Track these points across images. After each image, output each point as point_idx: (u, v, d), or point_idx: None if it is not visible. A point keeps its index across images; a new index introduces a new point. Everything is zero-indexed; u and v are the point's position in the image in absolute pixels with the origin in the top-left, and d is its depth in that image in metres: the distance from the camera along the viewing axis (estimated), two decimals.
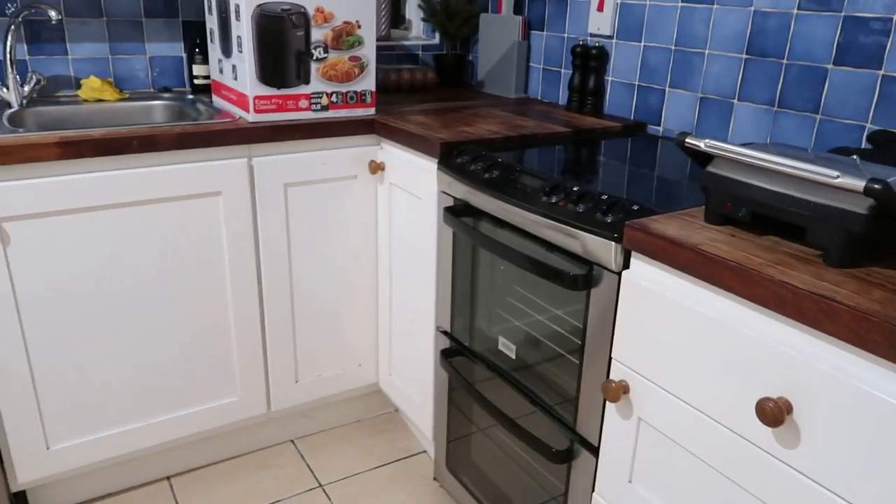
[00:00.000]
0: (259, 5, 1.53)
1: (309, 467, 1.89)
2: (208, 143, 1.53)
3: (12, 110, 1.69)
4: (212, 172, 1.56)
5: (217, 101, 1.82)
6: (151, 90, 1.97)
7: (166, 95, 1.91)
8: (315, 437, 2.02)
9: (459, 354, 1.58)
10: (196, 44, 1.94)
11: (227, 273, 1.66)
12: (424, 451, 1.96)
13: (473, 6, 2.26)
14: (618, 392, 1.07)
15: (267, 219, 1.67)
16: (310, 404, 1.92)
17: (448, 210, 1.45)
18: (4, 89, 1.71)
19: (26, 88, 1.74)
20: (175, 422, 1.71)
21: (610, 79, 1.89)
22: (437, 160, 1.52)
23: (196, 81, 1.97)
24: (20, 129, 1.48)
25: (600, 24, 1.88)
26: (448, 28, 2.25)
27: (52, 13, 1.63)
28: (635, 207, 1.10)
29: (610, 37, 1.86)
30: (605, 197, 1.14)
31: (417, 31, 2.45)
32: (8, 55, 1.68)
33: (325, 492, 1.80)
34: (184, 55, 2.00)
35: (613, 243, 1.07)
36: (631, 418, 1.09)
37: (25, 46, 1.80)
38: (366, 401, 2.08)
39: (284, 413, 1.90)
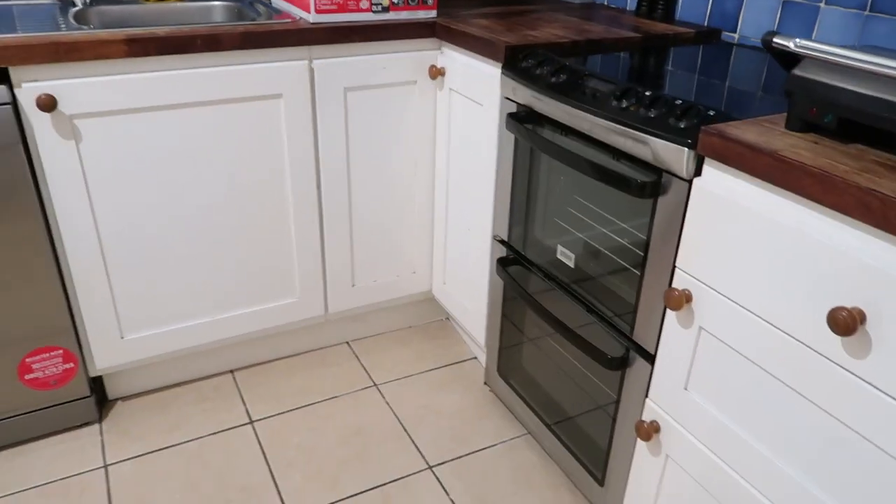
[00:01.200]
0: None
1: (363, 367, 1.97)
2: (270, 43, 1.52)
3: (77, 8, 1.69)
4: (273, 74, 1.56)
5: (277, 1, 1.79)
6: None
7: None
8: (369, 340, 2.08)
9: (516, 263, 1.58)
10: None
11: (287, 176, 1.68)
12: (475, 358, 2.01)
13: None
14: (680, 300, 1.07)
15: (327, 123, 1.66)
16: (365, 308, 1.97)
17: (511, 116, 1.42)
18: None
19: None
20: (238, 319, 1.79)
21: None
22: (500, 65, 1.48)
23: None
24: (88, 27, 1.49)
25: None
26: None
27: None
28: (711, 113, 1.06)
29: None
30: (679, 102, 1.10)
31: None
32: None
33: (378, 390, 1.88)
34: None
35: (686, 149, 1.04)
36: (691, 327, 1.08)
37: None
38: (419, 307, 2.13)
39: (340, 315, 1.96)
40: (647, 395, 1.23)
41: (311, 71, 1.60)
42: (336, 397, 1.85)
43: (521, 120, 1.42)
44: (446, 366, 1.98)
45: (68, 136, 1.42)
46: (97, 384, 1.76)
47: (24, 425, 1.62)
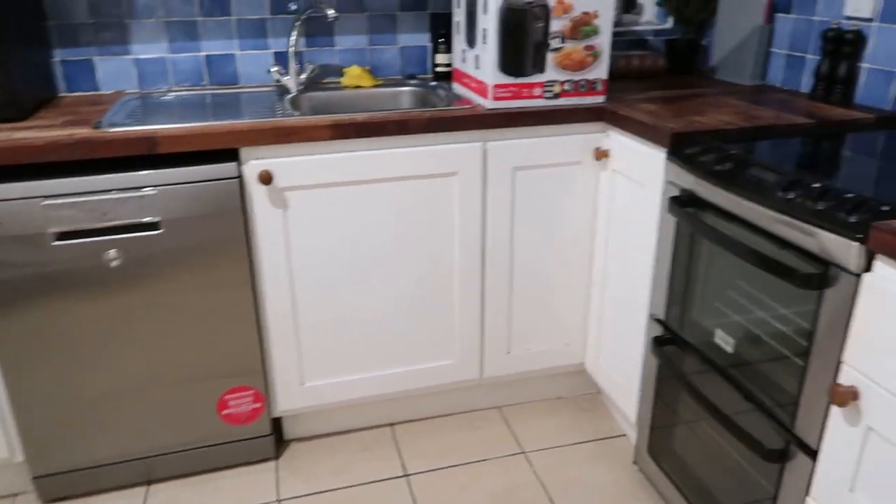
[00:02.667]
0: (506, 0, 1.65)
1: (513, 433, 2.02)
2: (451, 127, 1.70)
3: (291, 95, 1.99)
4: (451, 154, 1.73)
5: (456, 87, 1.99)
6: (400, 77, 2.20)
7: (412, 82, 2.12)
8: (519, 407, 2.14)
9: (672, 343, 1.59)
10: (440, 34, 2.13)
11: (455, 247, 1.83)
12: (625, 435, 2.00)
13: None
14: (846, 397, 1.04)
15: (495, 199, 1.80)
16: (517, 375, 2.05)
17: (674, 200, 1.47)
18: (286, 77, 2.02)
19: (303, 76, 2.05)
20: (401, 376, 1.93)
21: (865, 66, 1.74)
22: (665, 150, 1.53)
23: (438, 69, 2.16)
24: (299, 112, 1.76)
25: (859, 5, 1.73)
26: (684, 12, 2.21)
27: (330, 11, 1.90)
28: (885, 208, 1.04)
29: (869, 20, 1.72)
30: (849, 195, 1.10)
31: (649, 15, 2.42)
32: (292, 47, 1.99)
33: (526, 458, 1.92)
34: (429, 45, 2.20)
35: (856, 244, 1.03)
36: (859, 425, 1.04)
37: (303, 39, 2.11)
38: (570, 379, 2.16)
39: (494, 381, 2.04)
40: (807, 494, 1.18)
41: (485, 151, 1.75)
42: (485, 460, 1.92)
43: (684, 204, 1.45)
44: (595, 440, 1.99)
45: (279, 205, 1.66)
46: (276, 425, 1.97)
47: (213, 455, 1.86)
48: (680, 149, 1.50)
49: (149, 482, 1.84)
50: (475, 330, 1.94)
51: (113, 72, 2.01)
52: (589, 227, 1.90)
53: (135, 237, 1.60)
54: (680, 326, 1.56)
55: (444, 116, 1.69)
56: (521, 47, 1.70)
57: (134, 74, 2.03)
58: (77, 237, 1.57)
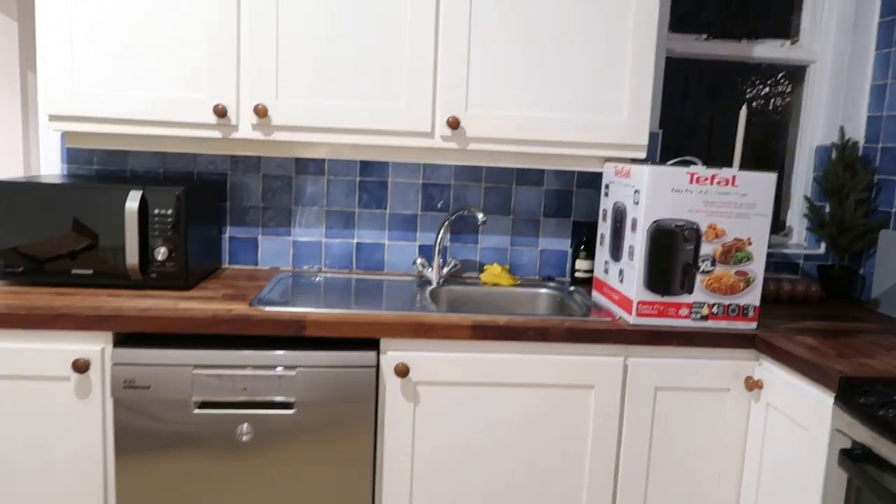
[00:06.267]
0: (656, 220, 1.66)
1: None
2: (590, 339, 1.66)
3: (432, 287, 2.05)
4: (589, 366, 1.67)
5: (596, 296, 1.97)
6: (537, 278, 2.23)
7: (550, 284, 2.14)
8: None
9: None
10: (582, 241, 2.16)
11: (586, 462, 1.71)
12: None
13: (870, 220, 2.12)
14: None
15: (633, 417, 1.70)
16: None
17: (845, 453, 1.31)
18: (429, 269, 2.10)
19: (444, 270, 2.12)
20: None
21: None
22: (833, 394, 1.40)
23: (577, 274, 2.17)
24: (438, 305, 1.79)
25: None
26: (839, 242, 2.13)
27: (480, 215, 1.99)
28: None
29: None
30: None
31: (798, 238, 2.36)
32: (438, 243, 2.08)
33: None
34: (569, 250, 2.24)
35: None
36: None
37: (448, 235, 2.21)
38: None
39: None
40: None
41: (626, 368, 1.68)
42: None
43: (858, 459, 1.29)
44: None
45: (410, 398, 1.65)
46: None
47: None
48: (851, 396, 1.36)
49: None
50: None
51: (272, 250, 2.18)
52: (737, 463, 1.73)
53: (268, 414, 1.62)
54: None
55: (584, 328, 1.66)
56: (669, 267, 1.68)
57: (290, 254, 2.18)
58: (216, 407, 1.61)
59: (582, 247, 2.16)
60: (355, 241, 2.19)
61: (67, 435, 1.61)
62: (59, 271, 1.79)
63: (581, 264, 2.16)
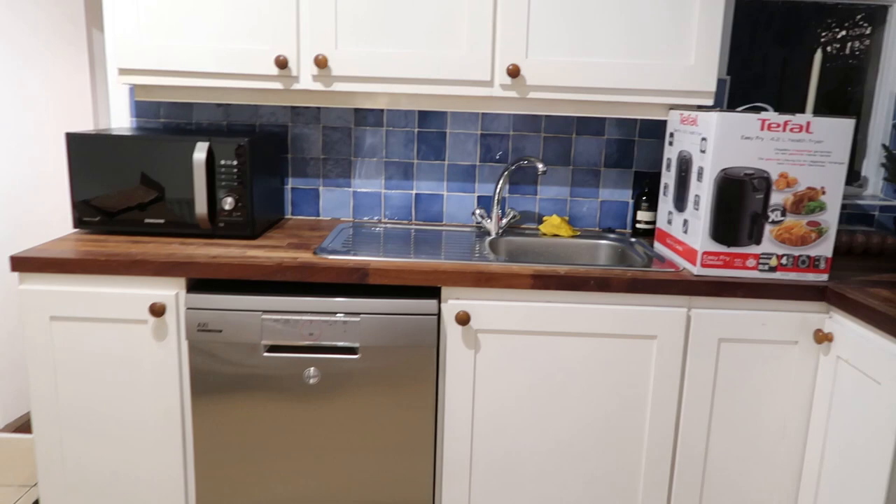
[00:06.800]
0: (724, 169, 1.61)
1: None
2: (654, 290, 1.64)
3: (491, 237, 2.05)
4: (651, 317, 1.66)
5: (658, 247, 1.94)
6: (597, 229, 2.20)
7: (611, 236, 2.11)
8: None
9: None
10: (644, 192, 2.12)
11: (647, 414, 1.71)
12: None
13: None
14: None
15: (695, 369, 1.68)
16: None
17: None
18: (488, 220, 2.10)
19: (503, 221, 2.11)
20: None
21: None
22: None
23: (638, 225, 2.13)
24: (497, 255, 1.80)
25: None
26: None
27: (540, 165, 1.97)
28: None
29: None
30: None
31: (874, 189, 2.26)
32: (497, 194, 2.07)
33: None
34: (630, 201, 2.20)
35: None
36: None
37: (507, 186, 2.19)
38: None
39: None
40: None
41: (689, 319, 1.66)
42: None
43: None
44: None
45: (471, 346, 1.67)
46: None
47: None
48: None
49: None
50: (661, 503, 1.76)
51: (333, 201, 2.21)
52: (803, 417, 1.70)
53: (333, 358, 1.67)
54: None
55: (647, 279, 1.64)
56: (736, 217, 1.64)
57: (350, 205, 2.21)
58: (284, 351, 1.67)
59: (644, 198, 2.12)
60: (414, 192, 2.20)
61: (147, 377, 1.69)
62: (133, 220, 1.86)
63: (642, 215, 2.12)
